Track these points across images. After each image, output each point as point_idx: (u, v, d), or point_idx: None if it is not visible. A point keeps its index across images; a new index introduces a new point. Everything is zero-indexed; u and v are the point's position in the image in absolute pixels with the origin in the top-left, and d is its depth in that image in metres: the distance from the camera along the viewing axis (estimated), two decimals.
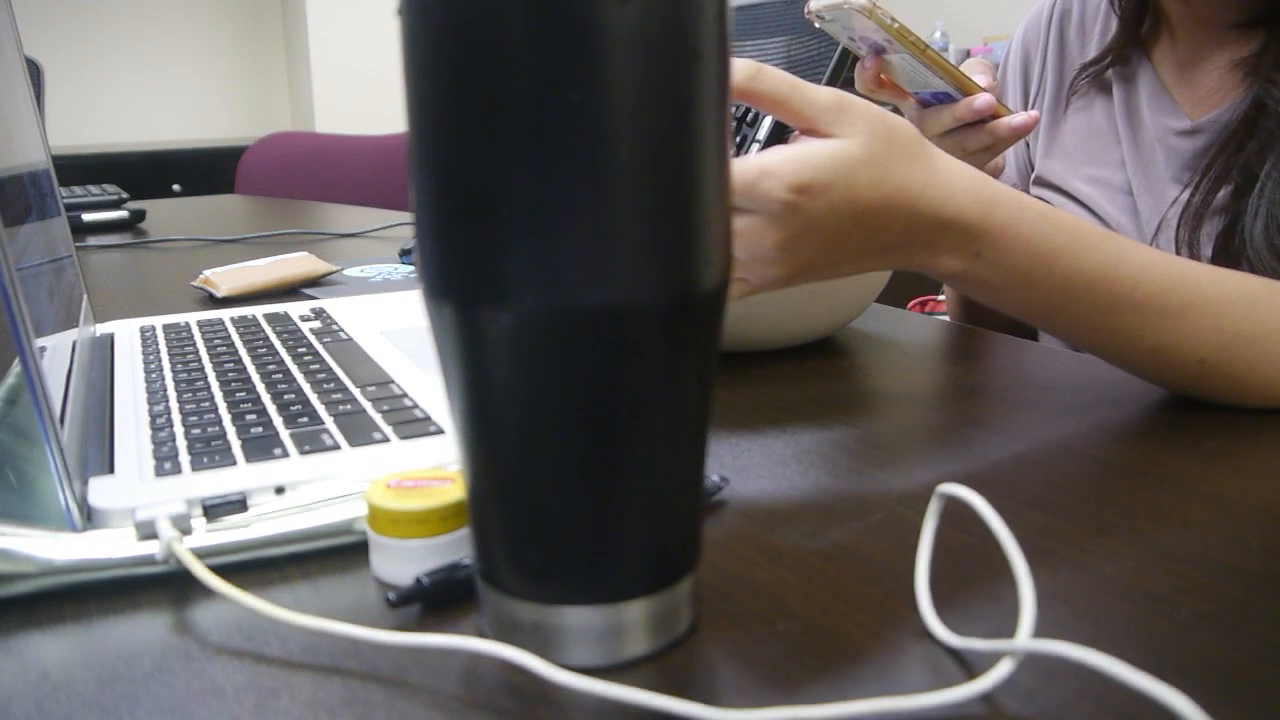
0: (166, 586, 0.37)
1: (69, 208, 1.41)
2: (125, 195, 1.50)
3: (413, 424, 0.47)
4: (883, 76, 0.69)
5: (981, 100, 0.67)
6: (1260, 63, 0.68)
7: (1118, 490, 0.44)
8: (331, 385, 0.53)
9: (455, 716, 0.29)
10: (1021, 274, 0.49)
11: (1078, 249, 0.49)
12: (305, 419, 0.47)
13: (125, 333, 0.68)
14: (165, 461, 0.42)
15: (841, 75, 0.68)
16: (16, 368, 0.54)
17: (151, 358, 0.60)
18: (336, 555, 0.39)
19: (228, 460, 0.42)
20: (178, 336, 0.66)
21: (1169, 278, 0.50)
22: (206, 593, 0.36)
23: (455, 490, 0.37)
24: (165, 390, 0.53)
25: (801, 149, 0.45)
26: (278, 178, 2.38)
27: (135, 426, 0.47)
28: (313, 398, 0.51)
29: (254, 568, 0.38)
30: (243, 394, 0.52)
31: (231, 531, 0.38)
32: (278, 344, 0.63)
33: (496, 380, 0.29)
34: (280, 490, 0.40)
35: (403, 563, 0.36)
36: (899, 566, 0.37)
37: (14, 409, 0.50)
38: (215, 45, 3.90)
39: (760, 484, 0.45)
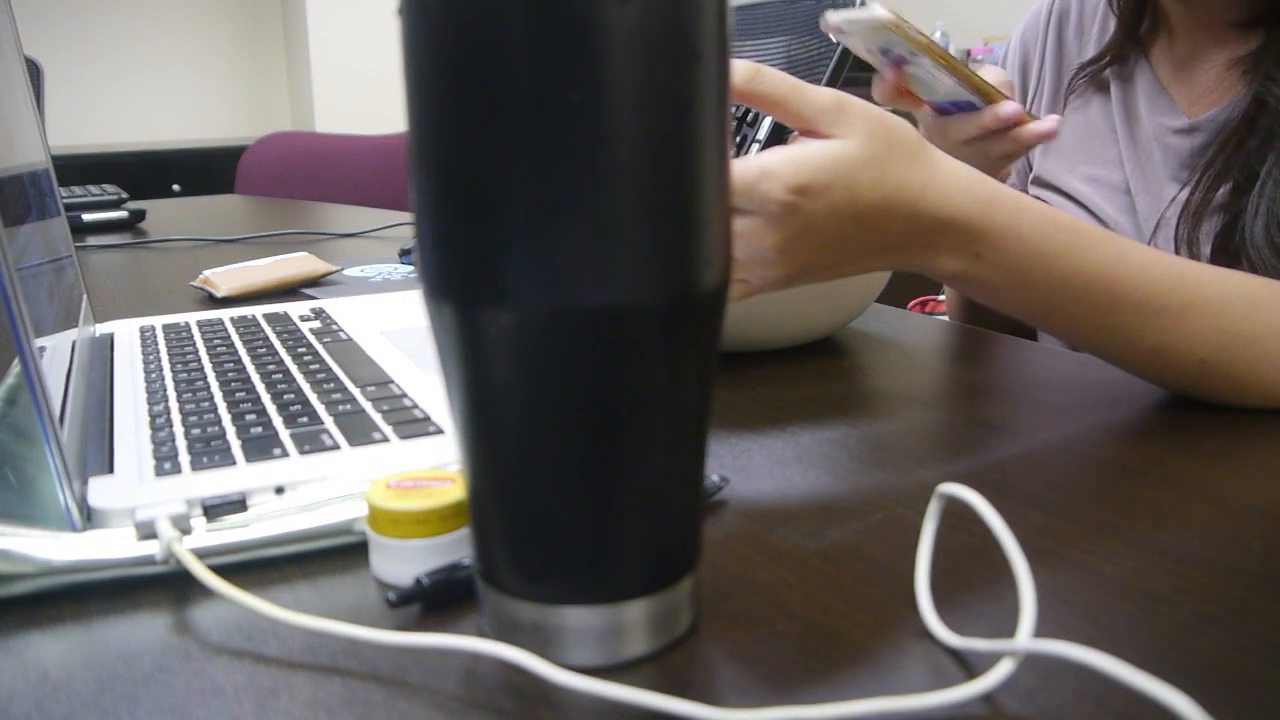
0: (166, 586, 0.37)
1: (69, 208, 1.41)
2: (125, 195, 1.50)
3: (413, 424, 0.47)
4: (901, 86, 0.69)
5: (1008, 109, 0.66)
6: (1260, 61, 0.68)
7: (1118, 490, 0.44)
8: (331, 385, 0.53)
9: (455, 716, 0.29)
10: (1021, 274, 0.49)
11: (1078, 249, 0.49)
12: (305, 419, 0.47)
13: (125, 333, 0.68)
14: (165, 461, 0.42)
15: (841, 76, 0.68)
16: (16, 368, 0.54)
17: (151, 358, 0.60)
18: (336, 555, 0.39)
19: (227, 460, 0.42)
20: (177, 336, 0.66)
21: (1169, 278, 0.50)
22: (206, 593, 0.36)
23: (455, 490, 0.37)
24: (165, 390, 0.53)
25: (801, 150, 0.45)
26: (278, 178, 2.38)
27: (135, 426, 0.47)
28: (312, 398, 0.51)
29: (254, 568, 0.38)
30: (242, 394, 0.52)
31: (231, 531, 0.38)
32: (277, 344, 0.63)
33: (496, 380, 0.29)
34: (280, 490, 0.40)
35: (403, 563, 0.36)
36: (899, 566, 0.37)
37: (14, 409, 0.50)
38: (215, 45, 3.90)
39: (760, 484, 0.45)
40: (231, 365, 0.58)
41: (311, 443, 0.44)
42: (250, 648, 0.33)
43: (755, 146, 0.56)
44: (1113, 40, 0.79)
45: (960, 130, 0.69)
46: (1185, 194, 0.70)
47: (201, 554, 0.37)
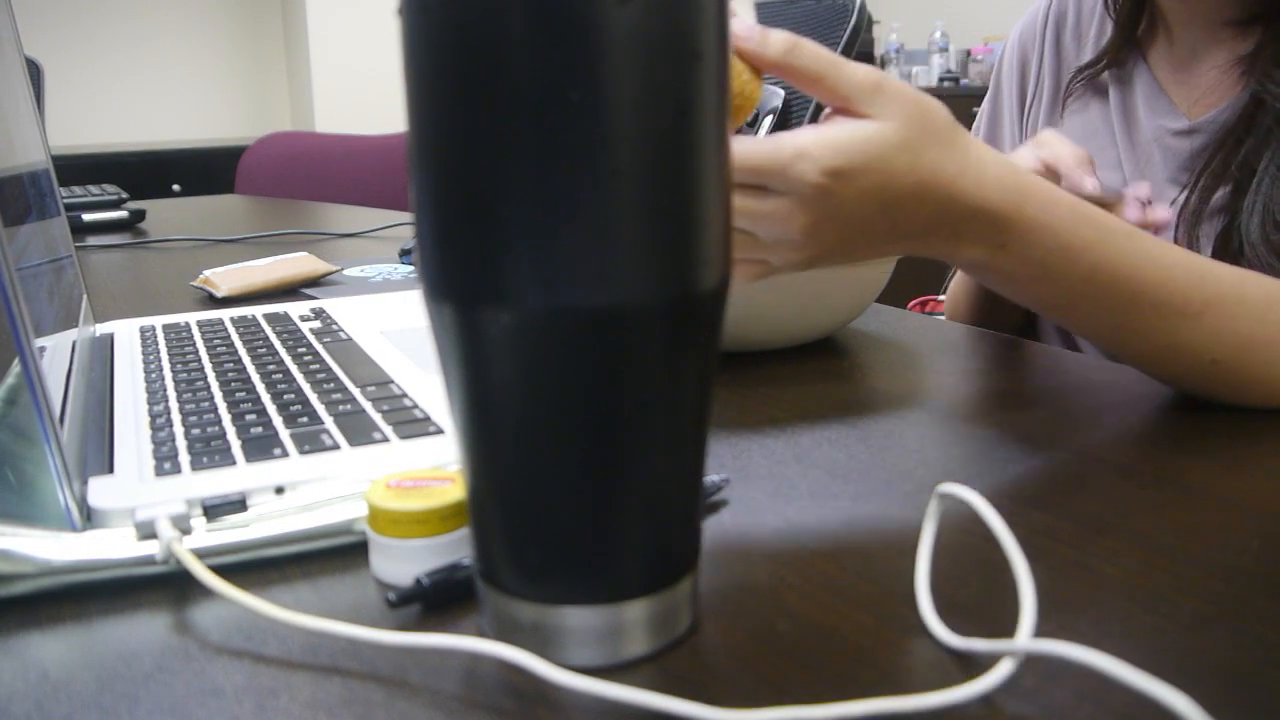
0: (166, 586, 0.37)
1: (69, 208, 1.41)
2: (125, 195, 1.50)
3: (413, 424, 0.47)
4: None
5: (1131, 215, 0.64)
6: (1258, 59, 0.68)
7: (1118, 490, 0.44)
8: (331, 385, 0.53)
9: (455, 716, 0.29)
10: (1045, 267, 0.48)
11: (1104, 245, 0.49)
12: (305, 419, 0.47)
13: (125, 333, 0.68)
14: (165, 461, 0.42)
15: None
16: (16, 368, 0.54)
17: (151, 358, 0.60)
18: (336, 555, 0.39)
19: (227, 460, 0.42)
20: (177, 336, 0.66)
21: (1190, 277, 0.50)
22: (206, 593, 0.36)
23: (455, 490, 0.37)
24: (165, 390, 0.53)
25: (836, 131, 0.44)
26: (278, 178, 2.38)
27: (135, 426, 0.47)
28: (312, 398, 0.51)
29: (254, 568, 0.38)
30: (242, 394, 0.52)
31: (231, 531, 0.38)
32: (277, 344, 0.63)
33: (496, 380, 0.29)
34: (280, 490, 0.40)
35: (403, 563, 0.36)
36: (899, 566, 0.37)
37: (14, 409, 0.50)
38: (215, 45, 3.90)
39: (760, 484, 0.45)
40: (231, 365, 0.58)
41: (311, 443, 0.44)
42: (250, 648, 0.33)
43: None
44: (1110, 43, 0.79)
45: None
46: (1184, 196, 0.70)
47: (201, 554, 0.37)
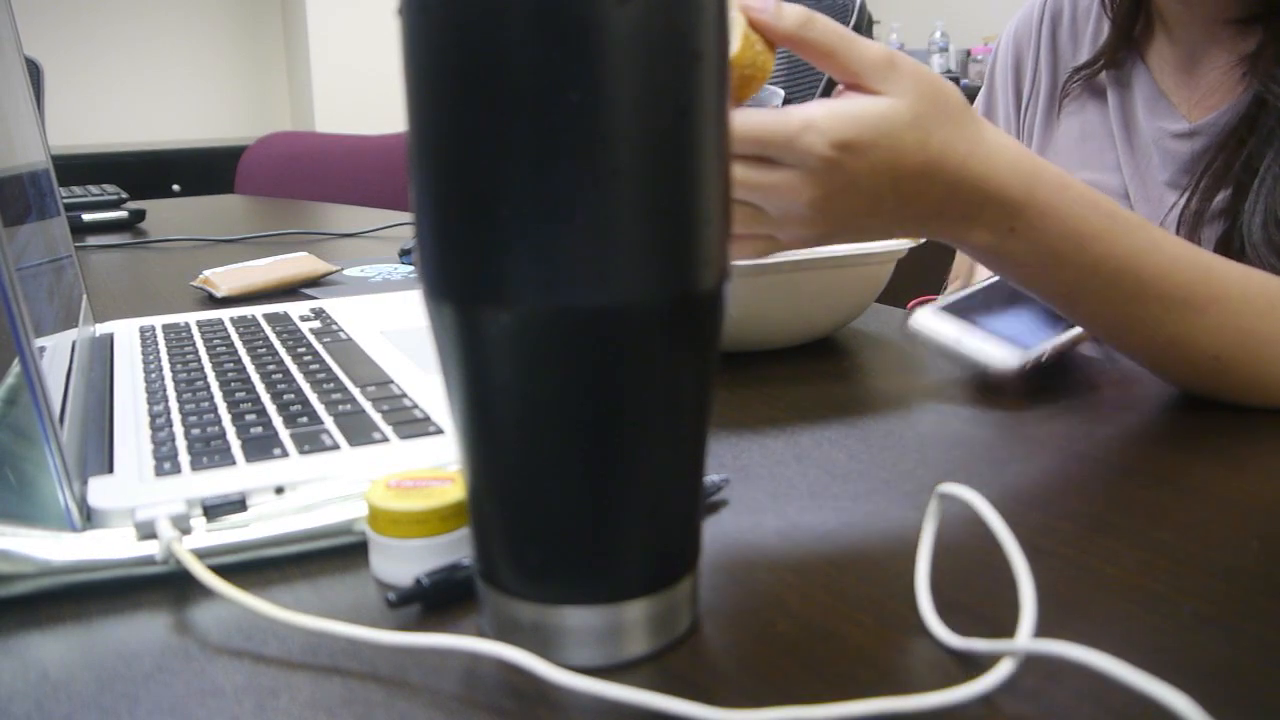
0: (166, 586, 0.37)
1: (69, 208, 1.41)
2: (125, 195, 1.50)
3: (412, 424, 0.47)
4: None
5: None
6: (1259, 59, 0.67)
7: (1118, 490, 0.44)
8: (331, 385, 0.53)
9: (455, 716, 0.29)
10: (1054, 254, 0.48)
11: (1113, 234, 0.48)
12: (305, 419, 0.47)
13: (125, 333, 0.68)
14: (165, 461, 0.42)
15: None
16: (16, 368, 0.54)
17: (151, 358, 0.60)
18: (336, 555, 0.39)
19: (227, 460, 0.42)
20: (177, 337, 0.66)
21: (1197, 271, 0.50)
22: (206, 593, 0.36)
23: (455, 490, 0.37)
24: (165, 390, 0.53)
25: (846, 104, 0.43)
26: (277, 178, 2.38)
27: (135, 426, 0.47)
28: (312, 398, 0.51)
29: (254, 568, 0.38)
30: (242, 394, 0.52)
31: (231, 531, 0.38)
32: (277, 344, 0.63)
33: (496, 380, 0.29)
34: (280, 490, 0.40)
35: (403, 563, 0.36)
36: (899, 566, 0.37)
37: (14, 409, 0.50)
38: (215, 45, 3.90)
39: (760, 484, 0.45)
40: (231, 365, 0.58)
41: (311, 443, 0.44)
42: (250, 648, 0.33)
43: None
44: (1107, 44, 0.78)
45: None
46: (1185, 199, 0.69)
47: (201, 554, 0.37)
